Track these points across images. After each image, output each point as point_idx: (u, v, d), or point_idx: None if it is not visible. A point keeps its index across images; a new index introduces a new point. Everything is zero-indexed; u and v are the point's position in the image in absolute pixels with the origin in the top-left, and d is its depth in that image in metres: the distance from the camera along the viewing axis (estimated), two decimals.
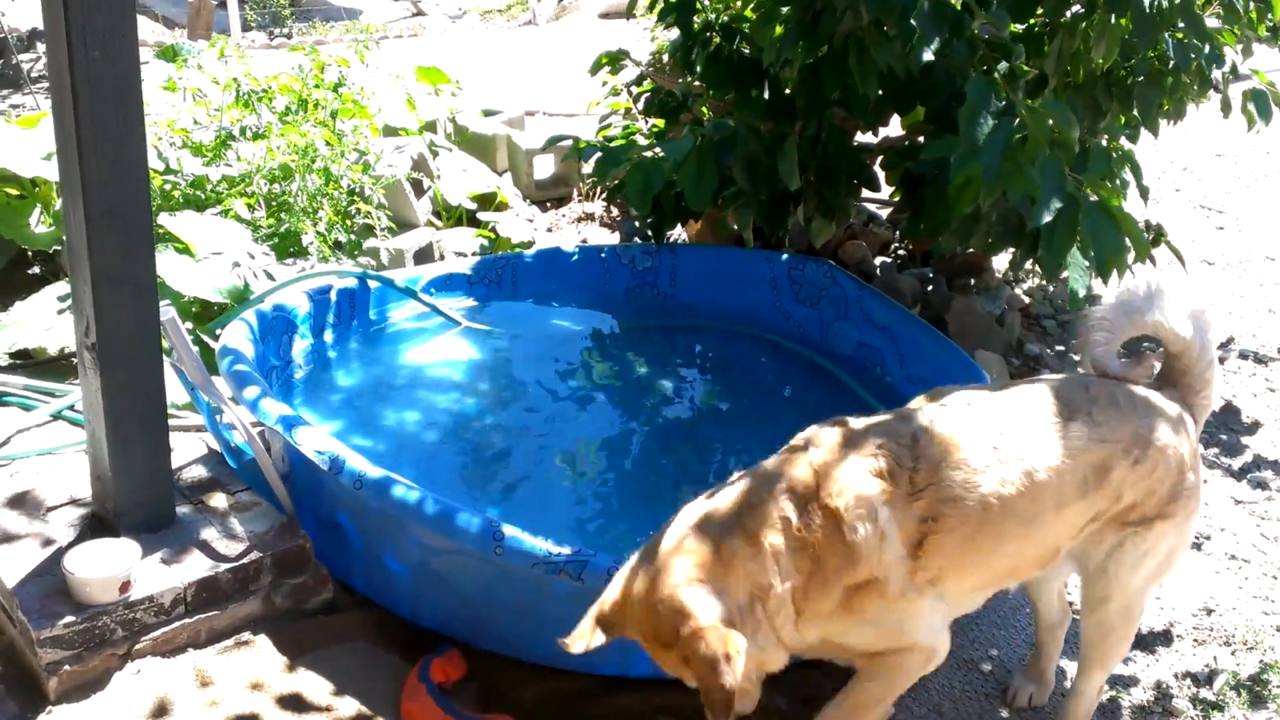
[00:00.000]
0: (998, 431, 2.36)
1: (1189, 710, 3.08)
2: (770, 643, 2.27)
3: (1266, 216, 6.79)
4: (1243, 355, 5.20)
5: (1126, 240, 3.33)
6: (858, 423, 2.48)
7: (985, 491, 2.30)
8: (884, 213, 5.92)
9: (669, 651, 2.22)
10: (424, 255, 4.99)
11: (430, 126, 5.82)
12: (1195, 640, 3.37)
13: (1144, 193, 4.01)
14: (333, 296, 4.09)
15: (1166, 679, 3.18)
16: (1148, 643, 3.32)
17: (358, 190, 4.93)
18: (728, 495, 2.37)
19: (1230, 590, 3.56)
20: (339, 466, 2.81)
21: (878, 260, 5.42)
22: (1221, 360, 5.15)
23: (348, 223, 4.92)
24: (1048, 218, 3.12)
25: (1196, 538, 3.78)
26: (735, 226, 4.58)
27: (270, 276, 4.34)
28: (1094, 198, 3.27)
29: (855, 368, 4.41)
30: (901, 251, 5.60)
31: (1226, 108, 4.68)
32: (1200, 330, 2.61)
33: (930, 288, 5.21)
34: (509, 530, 2.69)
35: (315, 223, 4.74)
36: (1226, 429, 4.57)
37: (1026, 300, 5.42)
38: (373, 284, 4.19)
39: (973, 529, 2.31)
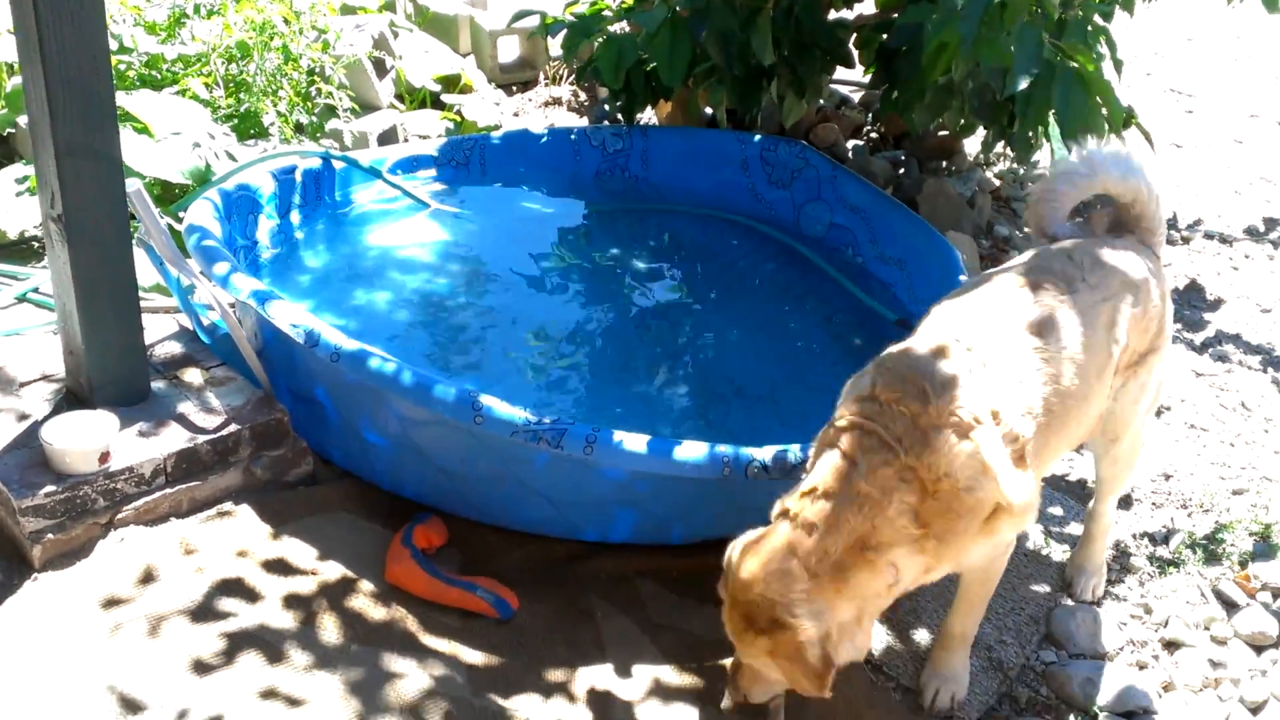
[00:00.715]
0: (1032, 335, 2.41)
1: (1146, 567, 3.20)
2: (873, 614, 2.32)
3: (1235, 100, 6.79)
4: (1208, 236, 5.26)
5: (1103, 109, 3.32)
6: (915, 371, 2.33)
7: (1047, 395, 2.38)
8: (857, 96, 5.87)
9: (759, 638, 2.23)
10: (388, 138, 4.89)
11: (389, 6, 5.64)
12: (1154, 504, 3.48)
13: (1118, 66, 3.99)
14: (297, 177, 4.02)
15: (1125, 539, 3.30)
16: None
17: (318, 70, 4.80)
18: (824, 478, 2.26)
19: (1189, 457, 3.67)
20: (315, 339, 2.80)
21: (850, 143, 5.39)
22: (1187, 240, 5.22)
23: (309, 104, 4.81)
24: (1024, 84, 3.11)
25: (1158, 408, 3.88)
26: (707, 107, 4.52)
27: (232, 157, 4.24)
28: (1072, 66, 3.26)
29: (827, 249, 4.42)
30: (874, 135, 5.56)
31: None
32: (1143, 175, 2.76)
33: (902, 170, 5.20)
34: (487, 400, 2.70)
35: (276, 103, 4.62)
36: (1190, 306, 4.65)
37: (997, 183, 5.43)
38: (337, 164, 4.11)
39: (1051, 428, 2.42)
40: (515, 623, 2.75)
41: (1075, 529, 3.28)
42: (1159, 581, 3.15)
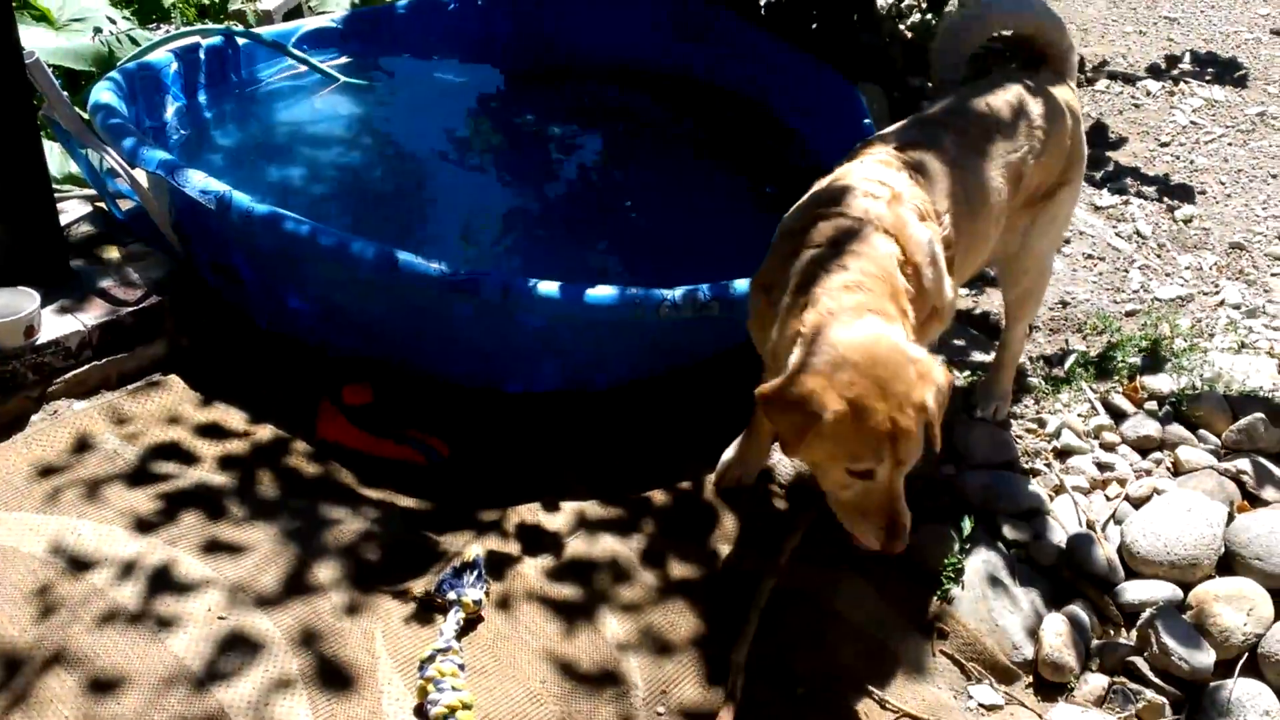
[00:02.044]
0: (951, 174, 2.54)
1: (1041, 385, 3.40)
2: None
3: None
4: (1111, 76, 5.38)
5: None
6: (875, 173, 2.48)
7: (965, 226, 2.55)
8: None
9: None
10: (293, 16, 4.79)
11: None
12: (1051, 330, 3.67)
13: None
14: (201, 56, 3.96)
15: (1024, 363, 3.49)
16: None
17: None
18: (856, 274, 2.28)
19: (1086, 286, 3.86)
20: (226, 203, 2.83)
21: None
22: (1092, 81, 5.33)
23: None
24: None
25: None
26: None
27: (134, 42, 4.16)
28: None
29: (741, 102, 4.47)
30: None
31: None
32: (1033, 3, 2.84)
33: (815, 25, 5.22)
34: (404, 255, 2.77)
35: None
36: (1093, 144, 4.77)
37: (909, 35, 5.47)
38: (240, 40, 4.06)
39: (967, 250, 2.60)
40: (446, 469, 2.88)
41: (978, 357, 3.46)
42: (1053, 399, 3.35)
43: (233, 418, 2.87)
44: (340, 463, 2.84)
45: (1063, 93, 2.85)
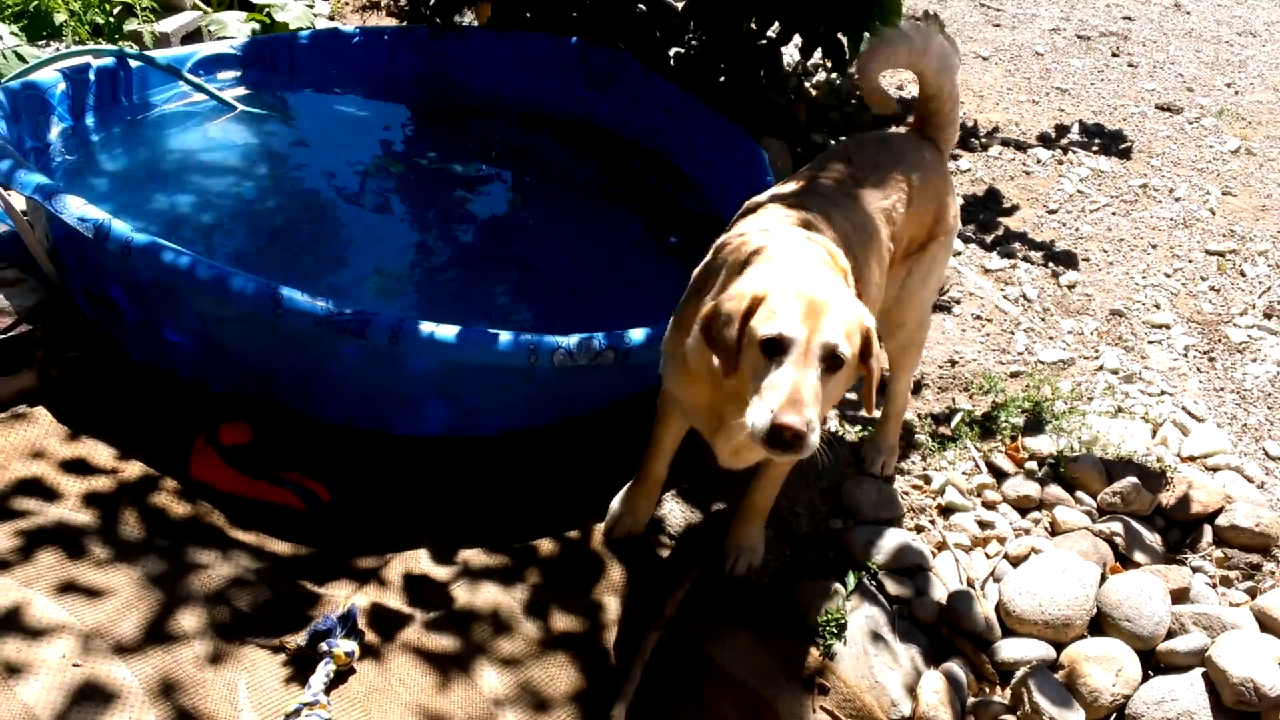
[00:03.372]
0: (851, 225, 2.60)
1: (928, 442, 3.46)
2: None
3: (1039, 11, 7.15)
4: (1004, 143, 5.58)
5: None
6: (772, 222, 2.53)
7: (863, 273, 2.57)
8: (680, 3, 5.91)
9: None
10: (192, 40, 4.70)
11: None
12: (940, 388, 3.75)
13: None
14: (91, 77, 3.83)
15: (912, 419, 3.55)
16: None
17: None
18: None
19: (974, 345, 3.95)
20: (105, 232, 2.73)
21: (671, 51, 5.45)
22: (986, 147, 5.52)
23: (105, 5, 4.57)
24: None
25: (947, 301, 4.15)
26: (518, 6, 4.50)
27: (21, 58, 4.02)
28: None
29: (644, 151, 4.51)
30: (694, 43, 5.63)
31: None
32: (952, 75, 2.92)
33: (722, 79, 5.30)
34: (287, 292, 2.70)
35: (69, 2, 4.38)
36: (985, 209, 4.94)
37: (814, 93, 5.60)
38: (133, 63, 3.94)
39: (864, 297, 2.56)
40: (326, 514, 2.79)
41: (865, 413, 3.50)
42: (939, 456, 3.42)
43: (100, 454, 2.74)
44: (212, 504, 2.73)
45: (937, 156, 2.97)
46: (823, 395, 2.12)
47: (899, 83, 5.80)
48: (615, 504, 2.90)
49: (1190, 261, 4.54)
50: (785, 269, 2.24)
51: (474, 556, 2.77)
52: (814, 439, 2.06)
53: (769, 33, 4.97)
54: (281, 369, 2.90)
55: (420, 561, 2.72)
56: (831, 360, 2.13)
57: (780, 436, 2.04)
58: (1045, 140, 5.62)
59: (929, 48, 2.88)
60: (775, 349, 2.12)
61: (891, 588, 2.93)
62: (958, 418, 3.55)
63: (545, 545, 2.84)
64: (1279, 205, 5.01)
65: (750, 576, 2.89)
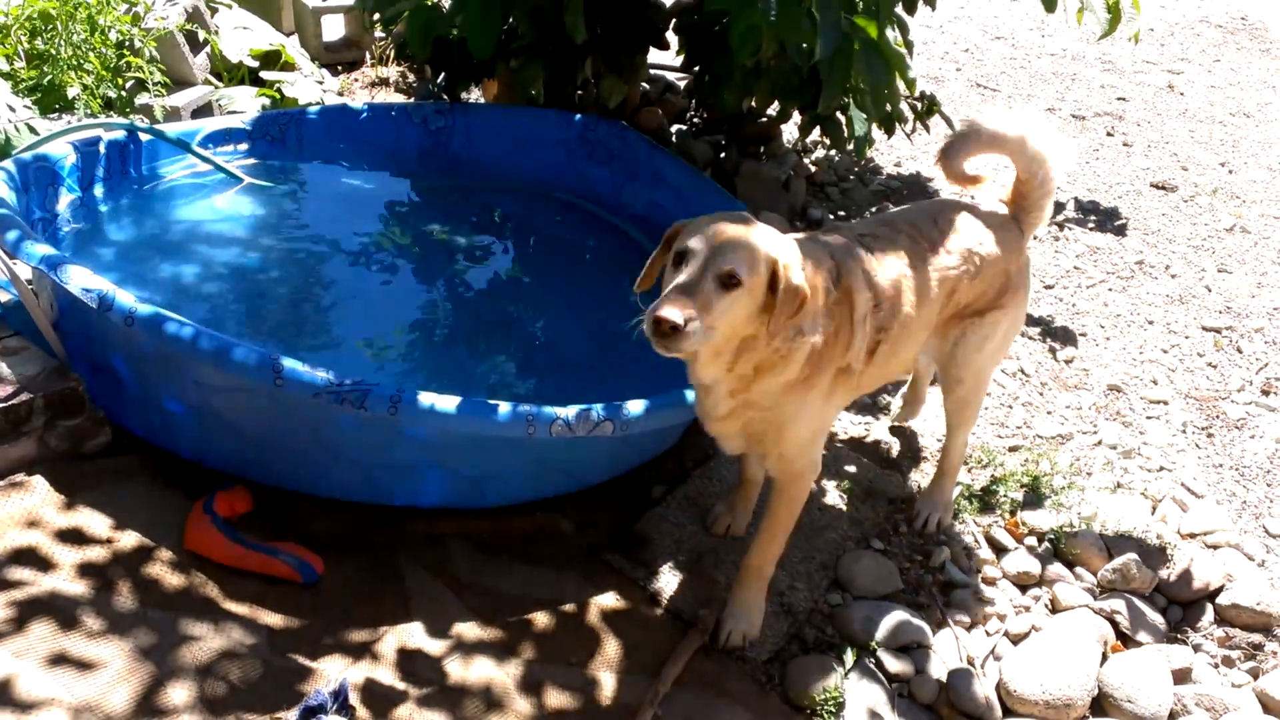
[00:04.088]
0: (900, 268, 2.80)
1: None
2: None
3: (1034, 92, 7.26)
4: None
5: (898, 76, 3.55)
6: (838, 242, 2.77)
7: (904, 313, 2.79)
8: (682, 82, 6.04)
9: None
10: (202, 114, 4.79)
11: None
12: (937, 463, 3.74)
13: (909, 47, 4.26)
14: (101, 149, 3.90)
15: (910, 493, 3.54)
16: (899, 465, 3.68)
17: (127, 43, 4.67)
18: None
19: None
20: (108, 304, 2.76)
21: (673, 128, 5.56)
22: None
23: (118, 79, 4.67)
24: (826, 53, 3.28)
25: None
26: (524, 83, 4.58)
27: (34, 131, 4.10)
28: (865, 36, 3.46)
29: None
30: (696, 120, 5.74)
31: None
32: (1042, 164, 3.04)
33: (723, 154, 5.39)
34: (288, 362, 2.72)
35: (81, 76, 4.48)
36: None
37: (813, 169, 5.69)
38: (143, 136, 4.01)
39: (896, 340, 2.81)
40: (320, 586, 2.78)
41: (867, 484, 3.50)
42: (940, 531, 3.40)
43: (96, 523, 2.74)
44: (206, 575, 2.72)
45: (1014, 233, 3.09)
46: (718, 309, 2.33)
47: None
48: (719, 505, 3.23)
49: (1187, 338, 4.57)
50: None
51: (468, 630, 2.75)
52: (693, 338, 2.29)
53: (769, 110, 5.07)
54: (281, 439, 2.91)
55: (414, 635, 2.70)
56: (728, 279, 2.33)
57: (658, 328, 2.27)
58: None
59: (1018, 137, 2.99)
60: (679, 260, 2.38)
61: (891, 665, 2.89)
62: (957, 491, 3.54)
63: (540, 619, 2.82)
64: (1274, 282, 5.05)
65: (746, 647, 2.87)
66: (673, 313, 2.26)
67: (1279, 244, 5.40)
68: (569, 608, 2.87)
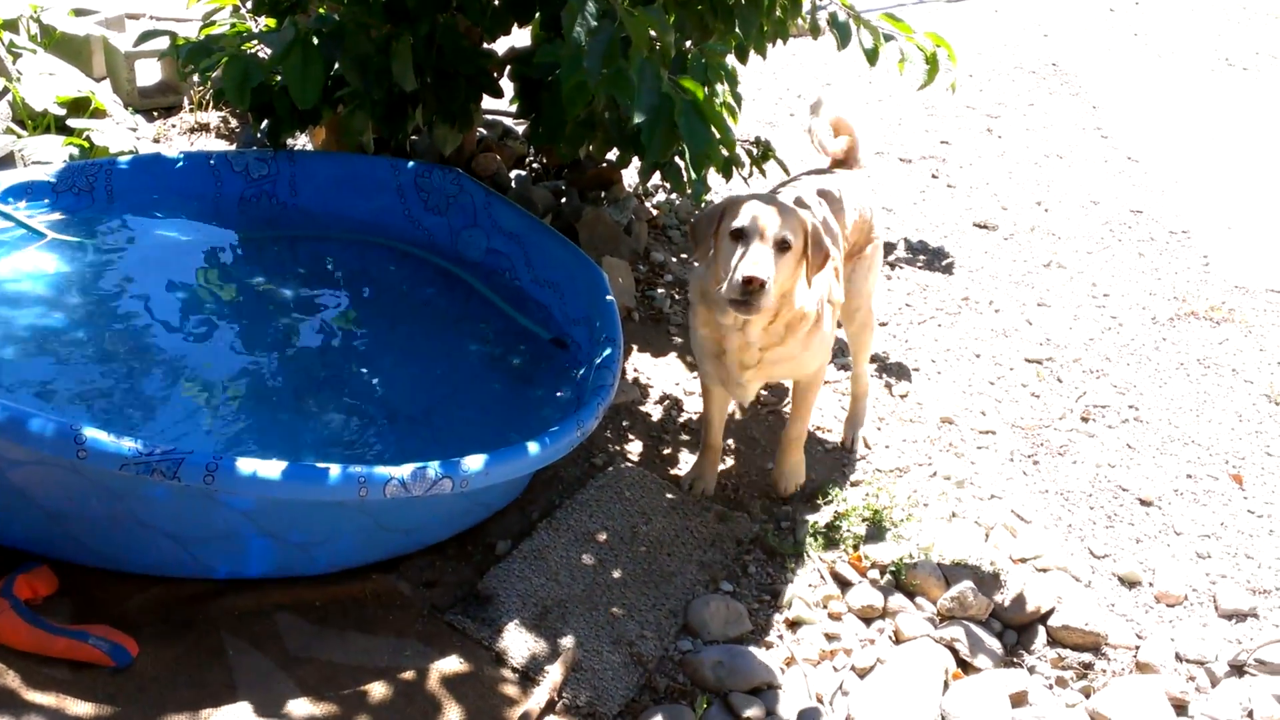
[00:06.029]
0: (834, 220, 3.54)
1: (772, 555, 3.45)
2: None
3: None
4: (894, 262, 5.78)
5: (719, 135, 3.59)
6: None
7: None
8: (521, 128, 6.00)
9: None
10: (3, 165, 4.48)
11: (10, 26, 5.20)
12: (783, 500, 3.77)
13: (738, 100, 4.34)
14: None
15: (758, 533, 3.55)
16: (746, 506, 3.69)
17: None
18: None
19: (813, 455, 4.01)
20: None
21: (512, 173, 5.51)
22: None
23: None
24: (642, 116, 3.30)
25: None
26: (353, 131, 4.47)
27: None
28: (688, 98, 3.49)
29: (485, 272, 4.48)
30: (536, 165, 5.72)
31: (815, 30, 5.12)
32: (861, 128, 4.01)
33: (564, 200, 5.37)
34: (91, 432, 2.52)
35: None
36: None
37: (655, 212, 5.72)
38: None
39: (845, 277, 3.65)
40: (134, 670, 2.58)
41: (715, 527, 3.49)
42: (785, 569, 3.41)
43: None
44: (7, 664, 2.49)
45: (860, 178, 3.88)
46: (781, 269, 2.98)
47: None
48: (689, 471, 3.70)
49: (1012, 369, 4.76)
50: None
51: (298, 708, 2.60)
52: (769, 295, 2.94)
53: (609, 156, 5.08)
54: (89, 514, 2.69)
55: (240, 717, 2.52)
56: (782, 244, 2.98)
57: (747, 287, 2.86)
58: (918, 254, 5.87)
59: (849, 110, 4.02)
60: (740, 236, 2.99)
61: (742, 709, 2.87)
62: (802, 529, 3.57)
63: (377, 690, 2.68)
64: (1089, 315, 5.32)
65: (800, 495, 3.73)
66: (762, 270, 2.88)
67: (1092, 278, 5.71)
68: (408, 675, 2.74)
